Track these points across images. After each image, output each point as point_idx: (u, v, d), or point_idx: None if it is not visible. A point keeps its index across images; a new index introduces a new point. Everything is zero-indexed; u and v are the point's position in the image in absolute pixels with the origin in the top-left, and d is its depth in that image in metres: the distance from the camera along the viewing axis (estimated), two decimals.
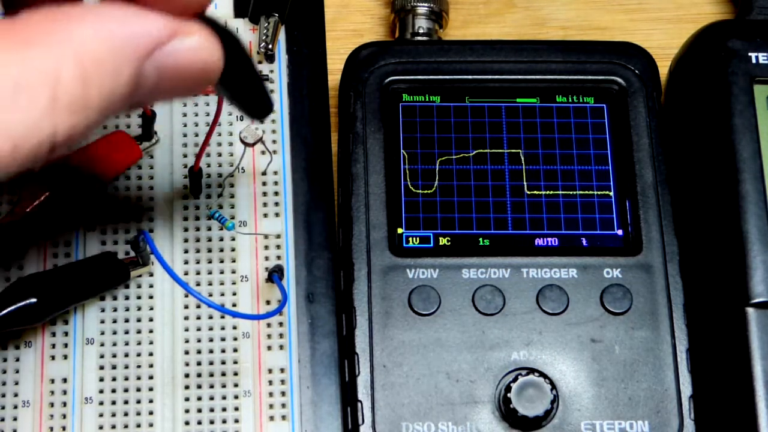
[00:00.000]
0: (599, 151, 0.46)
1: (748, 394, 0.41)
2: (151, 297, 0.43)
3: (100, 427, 0.42)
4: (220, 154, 0.45)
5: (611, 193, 0.45)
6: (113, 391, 0.42)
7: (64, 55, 0.29)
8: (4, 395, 0.42)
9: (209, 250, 0.44)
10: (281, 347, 0.43)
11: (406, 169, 0.46)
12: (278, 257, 0.44)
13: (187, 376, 0.43)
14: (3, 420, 0.42)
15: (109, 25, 0.30)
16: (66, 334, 0.43)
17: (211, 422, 0.42)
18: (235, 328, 0.43)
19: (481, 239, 0.45)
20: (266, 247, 0.44)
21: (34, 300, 0.40)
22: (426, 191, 0.45)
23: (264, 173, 0.46)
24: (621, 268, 0.44)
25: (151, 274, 0.44)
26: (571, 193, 0.45)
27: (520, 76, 0.47)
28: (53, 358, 0.43)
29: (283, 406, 0.42)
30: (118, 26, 0.30)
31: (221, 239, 0.44)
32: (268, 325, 0.43)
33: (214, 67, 0.33)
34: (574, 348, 0.43)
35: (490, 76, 0.47)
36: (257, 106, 0.38)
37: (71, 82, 0.29)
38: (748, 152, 0.44)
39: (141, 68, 0.30)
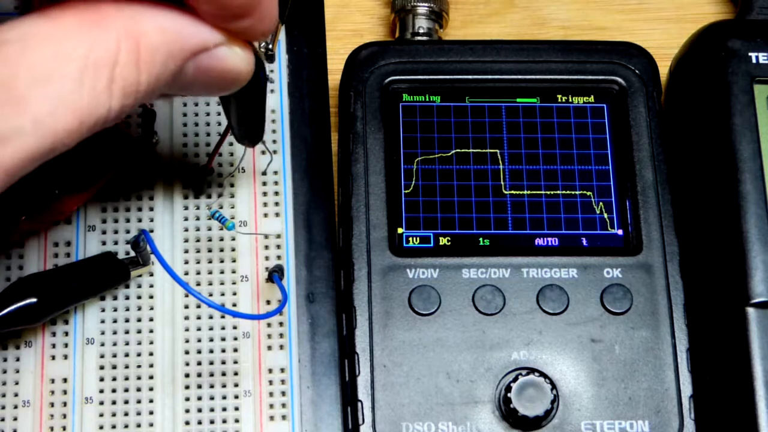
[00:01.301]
0: (599, 151, 0.46)
1: (748, 394, 0.41)
2: (151, 297, 0.43)
3: (101, 427, 0.42)
4: (220, 154, 0.45)
5: (611, 193, 0.46)
6: (113, 391, 0.42)
7: (124, 41, 0.31)
8: (4, 395, 0.42)
9: (209, 250, 0.44)
10: (281, 347, 0.43)
11: (406, 169, 0.46)
12: (278, 257, 0.44)
13: (187, 376, 0.43)
14: (3, 420, 0.42)
15: (169, 21, 0.32)
16: (66, 334, 0.43)
17: (211, 422, 0.42)
18: (235, 328, 0.43)
19: (481, 239, 0.45)
20: (266, 247, 0.44)
21: (34, 300, 0.40)
22: (426, 191, 0.45)
23: (264, 173, 0.46)
24: (621, 268, 0.44)
25: (152, 274, 0.44)
26: (571, 193, 0.45)
27: (520, 76, 0.47)
28: (53, 358, 0.43)
29: (284, 406, 0.43)
30: (175, 24, 0.32)
31: (221, 239, 0.44)
32: (269, 325, 0.43)
33: (243, 78, 0.36)
34: (575, 348, 0.43)
35: (490, 76, 0.47)
36: (252, 130, 0.41)
37: (127, 66, 0.31)
38: (748, 152, 0.44)
39: (184, 64, 0.33)
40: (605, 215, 0.45)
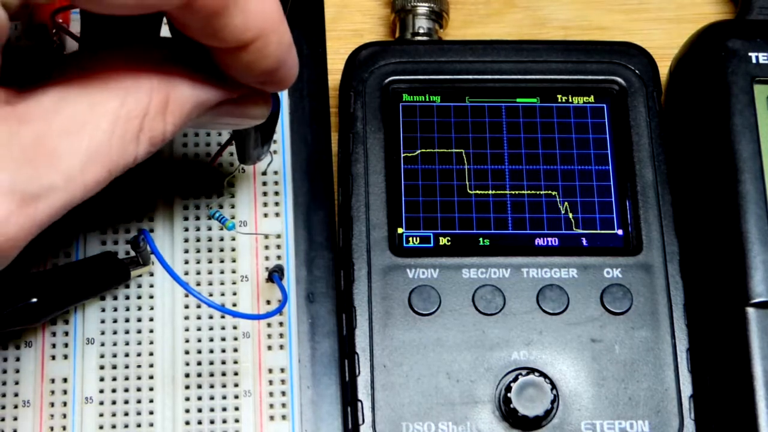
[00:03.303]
0: (599, 150, 0.46)
1: (748, 393, 0.41)
2: (151, 297, 0.43)
3: (101, 427, 0.42)
4: (221, 154, 0.45)
5: (611, 193, 0.46)
6: (113, 390, 0.42)
7: (156, 92, 0.32)
8: (4, 395, 0.42)
9: (209, 250, 0.44)
10: (281, 347, 0.43)
11: (407, 169, 0.46)
12: (278, 257, 0.44)
13: (187, 375, 0.43)
14: (3, 420, 0.42)
15: (199, 75, 0.33)
16: (66, 333, 0.43)
17: (212, 422, 0.42)
18: (235, 327, 0.43)
19: (481, 239, 0.45)
20: (266, 247, 0.44)
21: (34, 300, 0.40)
22: (426, 191, 0.45)
23: (264, 173, 0.46)
24: (621, 267, 0.44)
25: (152, 274, 0.44)
26: (571, 192, 0.45)
27: (520, 76, 0.47)
28: (53, 357, 0.43)
29: (284, 405, 0.43)
30: (204, 78, 0.33)
31: (221, 239, 0.44)
32: (269, 324, 0.43)
33: (260, 118, 0.37)
34: (575, 348, 0.43)
35: (490, 76, 0.47)
36: (256, 155, 0.42)
37: (156, 117, 0.32)
38: (748, 152, 0.44)
39: (207, 112, 0.34)
40: (605, 215, 0.45)
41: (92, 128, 0.31)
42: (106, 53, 0.32)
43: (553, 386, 0.42)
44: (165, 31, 0.39)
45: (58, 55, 0.45)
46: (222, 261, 0.44)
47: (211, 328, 0.43)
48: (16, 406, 0.42)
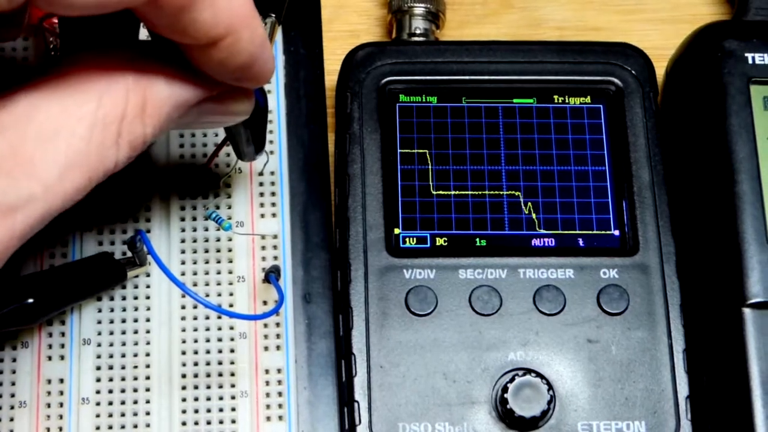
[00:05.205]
0: (596, 151, 0.46)
1: (745, 394, 0.41)
2: (147, 297, 0.43)
3: (97, 428, 0.42)
4: (217, 155, 0.45)
5: (608, 194, 0.46)
6: (110, 391, 0.42)
7: (132, 93, 0.31)
8: (0, 396, 0.42)
9: (206, 251, 0.44)
10: (278, 348, 0.43)
11: (403, 170, 0.46)
12: (275, 257, 0.44)
13: (184, 376, 0.43)
14: (0, 420, 0.42)
15: (175, 74, 0.33)
16: (63, 334, 0.43)
17: (208, 423, 0.42)
18: (231, 328, 0.43)
19: (477, 239, 0.45)
20: (263, 248, 0.44)
21: (30, 300, 0.40)
22: (422, 192, 0.45)
23: (261, 174, 0.46)
24: (618, 268, 0.44)
25: (148, 275, 0.44)
26: (568, 193, 0.45)
27: (516, 77, 0.47)
28: (50, 358, 0.43)
29: (280, 406, 0.43)
30: (181, 77, 0.33)
31: (218, 239, 0.44)
32: (265, 325, 0.43)
33: (243, 114, 0.37)
34: (571, 348, 0.43)
35: (486, 77, 0.47)
36: (250, 152, 0.41)
37: (134, 120, 0.31)
38: (745, 152, 0.44)
39: (187, 112, 0.34)
40: (602, 215, 0.45)
41: (68, 134, 0.30)
42: (78, 56, 0.31)
43: (550, 387, 0.42)
44: (144, 33, 0.39)
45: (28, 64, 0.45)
46: (219, 261, 0.44)
47: (207, 329, 0.43)
48: (12, 407, 0.42)
